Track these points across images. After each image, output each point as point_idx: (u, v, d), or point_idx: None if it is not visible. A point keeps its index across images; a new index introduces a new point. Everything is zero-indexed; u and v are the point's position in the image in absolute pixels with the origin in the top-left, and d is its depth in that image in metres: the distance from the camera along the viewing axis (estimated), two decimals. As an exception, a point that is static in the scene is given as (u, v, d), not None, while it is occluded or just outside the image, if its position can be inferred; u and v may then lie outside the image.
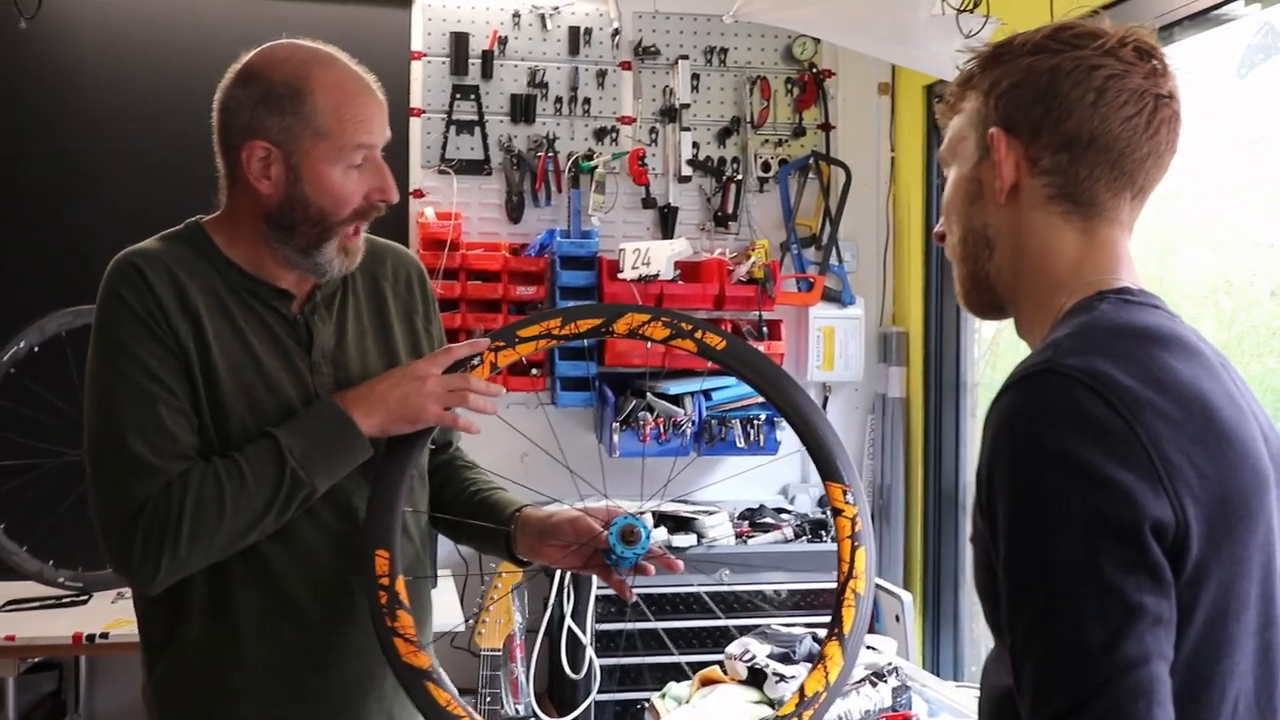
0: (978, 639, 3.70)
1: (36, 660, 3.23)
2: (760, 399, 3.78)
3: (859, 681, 2.52)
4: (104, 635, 2.92)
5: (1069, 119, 1.21)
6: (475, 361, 1.70)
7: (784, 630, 2.75)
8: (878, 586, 3.56)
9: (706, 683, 2.63)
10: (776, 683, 2.53)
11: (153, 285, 1.64)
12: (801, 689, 1.63)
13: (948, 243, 1.34)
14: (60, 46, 3.62)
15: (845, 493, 1.68)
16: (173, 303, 1.64)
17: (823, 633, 2.77)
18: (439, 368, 1.67)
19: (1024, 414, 1.11)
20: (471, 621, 3.06)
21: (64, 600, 3.17)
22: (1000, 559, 1.11)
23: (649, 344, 1.75)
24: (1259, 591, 1.14)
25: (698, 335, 1.72)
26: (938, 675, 3.45)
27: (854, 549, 1.66)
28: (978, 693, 2.39)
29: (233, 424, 1.65)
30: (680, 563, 1.75)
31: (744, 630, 3.17)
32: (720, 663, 2.74)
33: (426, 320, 1.90)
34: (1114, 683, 1.03)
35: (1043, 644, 1.06)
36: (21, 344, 3.18)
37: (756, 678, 2.58)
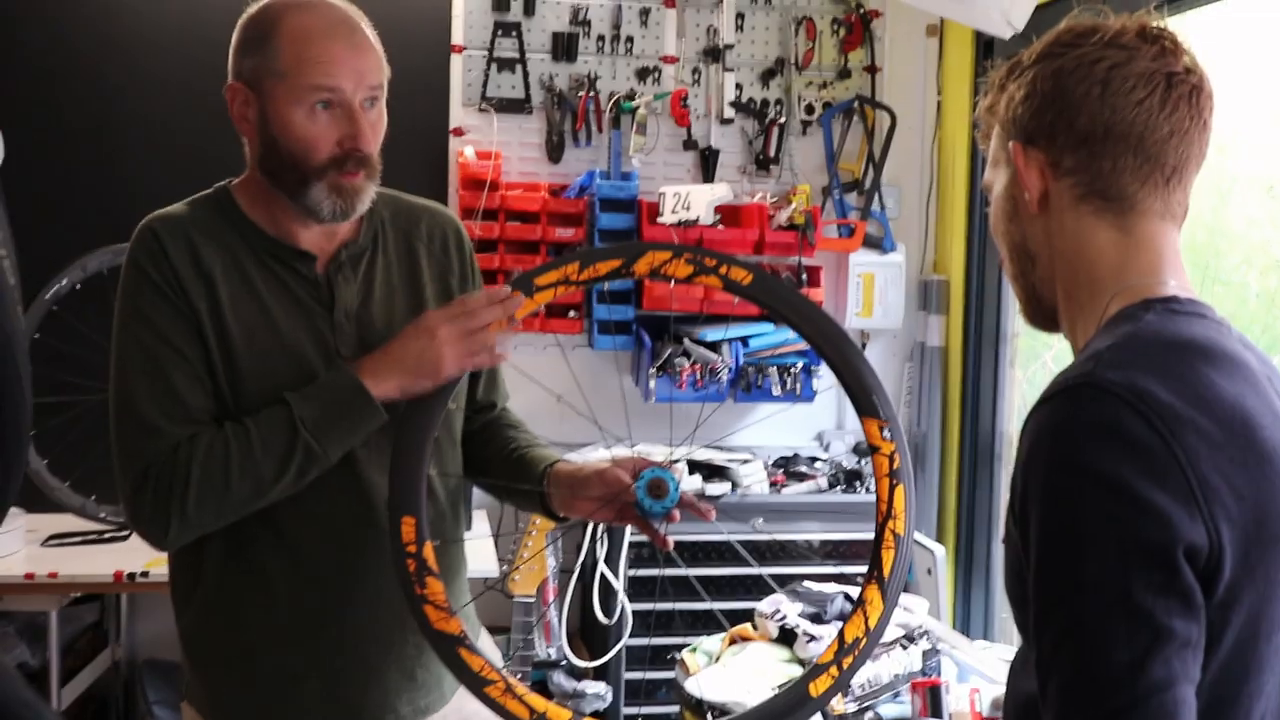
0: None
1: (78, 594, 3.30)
2: (798, 345, 3.81)
3: (889, 643, 2.53)
4: (144, 574, 2.97)
5: (1080, 115, 1.21)
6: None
7: (816, 589, 2.76)
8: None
9: (737, 640, 2.65)
10: (808, 642, 2.55)
11: (168, 252, 1.67)
12: (841, 635, 1.60)
13: (1003, 260, 1.34)
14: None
15: (883, 429, 1.63)
16: (188, 269, 1.67)
17: (855, 591, 2.79)
18: (451, 319, 1.63)
19: (1062, 427, 1.10)
20: (506, 569, 3.10)
21: (105, 535, 3.22)
22: (1031, 569, 1.11)
23: (672, 283, 1.72)
24: None
25: (722, 270, 1.66)
26: (968, 633, 3.47)
27: (892, 487, 1.61)
28: (1007, 657, 2.39)
29: (250, 385, 1.67)
30: (712, 510, 1.74)
31: (778, 580, 3.19)
32: (751, 613, 2.76)
33: (463, 280, 1.89)
34: (1139, 706, 1.03)
35: (1069, 661, 1.07)
36: (64, 281, 3.21)
37: (787, 637, 2.60)
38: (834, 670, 1.60)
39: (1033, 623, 1.11)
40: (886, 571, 1.60)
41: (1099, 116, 1.20)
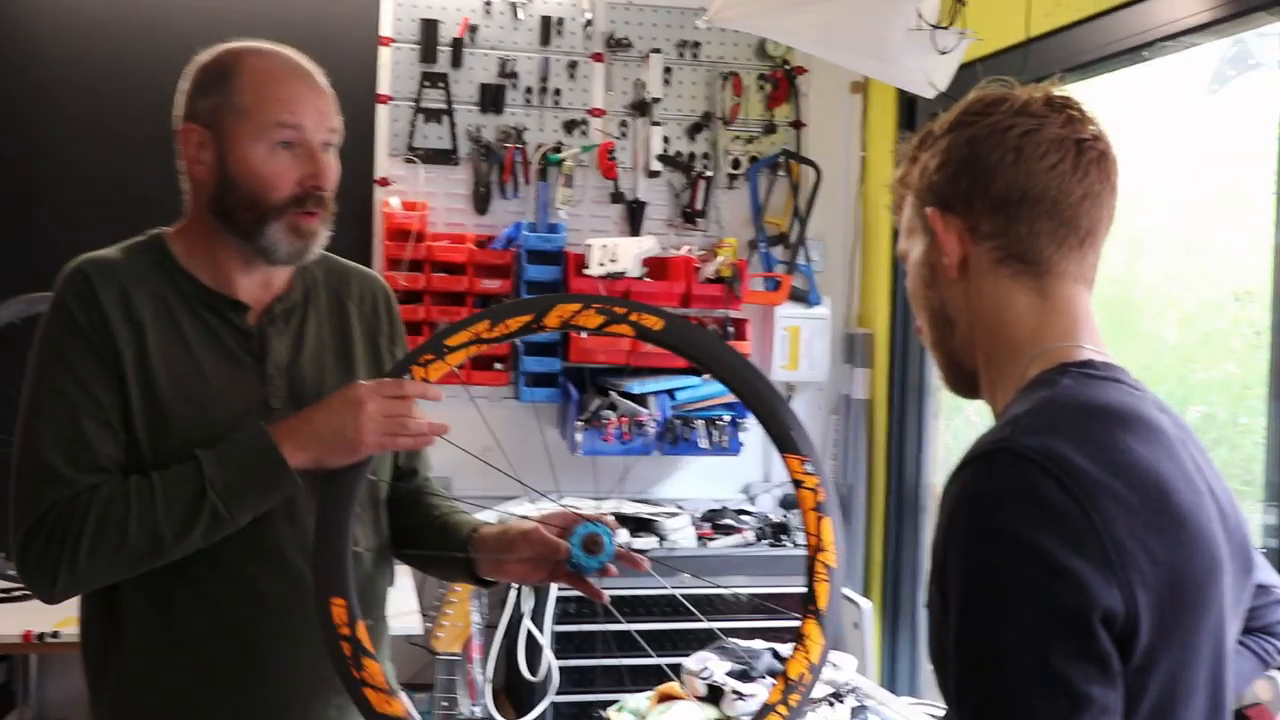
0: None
1: (-15, 654, 3.19)
2: (725, 398, 3.81)
3: (817, 700, 2.52)
4: (54, 634, 2.87)
5: (996, 181, 1.22)
6: (407, 375, 1.62)
7: (744, 645, 2.74)
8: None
9: (664, 698, 2.62)
10: (735, 700, 2.53)
11: (98, 295, 1.63)
12: (785, 674, 1.58)
13: (922, 334, 1.35)
14: (21, 34, 3.54)
15: (804, 463, 1.62)
16: (117, 313, 1.63)
17: (785, 649, 2.77)
18: (379, 395, 1.59)
19: (979, 494, 1.10)
20: (429, 625, 3.04)
21: (14, 594, 3.12)
22: (951, 635, 1.10)
23: (583, 333, 1.71)
24: (1208, 675, 1.15)
25: (632, 318, 1.64)
26: (894, 688, 3.47)
27: (819, 520, 1.59)
28: (935, 713, 2.39)
29: (173, 435, 1.63)
30: (647, 560, 1.72)
31: (705, 635, 3.16)
32: (678, 670, 2.73)
33: (391, 342, 1.88)
34: None
35: None
36: (-23, 331, 3.12)
37: (715, 695, 2.57)
38: (782, 709, 1.58)
39: (954, 688, 1.11)
40: (823, 605, 1.59)
41: (1014, 181, 1.22)
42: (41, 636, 2.88)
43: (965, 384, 1.33)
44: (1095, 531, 1.06)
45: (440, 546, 1.82)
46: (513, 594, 3.45)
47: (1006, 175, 1.22)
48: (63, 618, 2.93)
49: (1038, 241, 1.23)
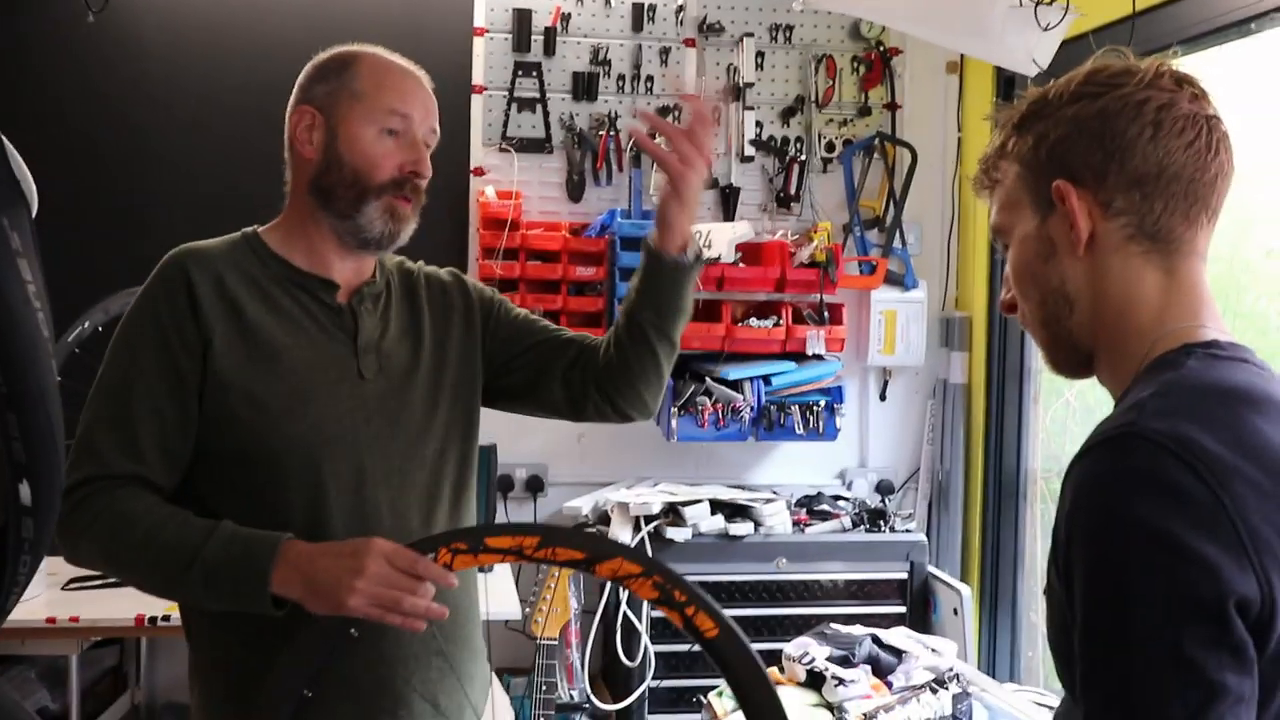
0: (1035, 632, 3.67)
1: (98, 638, 3.28)
2: (821, 383, 3.79)
3: (920, 687, 2.50)
4: (165, 618, 2.95)
5: (1133, 156, 1.18)
6: (431, 554, 1.54)
7: (844, 631, 2.73)
8: (935, 578, 3.53)
9: (764, 683, 2.62)
10: (835, 686, 2.52)
11: (191, 279, 1.70)
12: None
13: (1021, 311, 1.30)
14: (127, 36, 3.63)
15: None
16: (210, 295, 1.70)
17: (885, 634, 2.75)
18: (389, 562, 1.52)
19: (1106, 479, 1.07)
20: (527, 610, 3.07)
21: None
22: (1077, 624, 1.08)
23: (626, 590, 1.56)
24: None
25: (688, 611, 1.52)
26: (994, 674, 3.42)
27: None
28: (1038, 700, 2.35)
29: (271, 400, 1.67)
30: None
31: (803, 621, 3.15)
32: (778, 655, 2.73)
33: (467, 314, 1.89)
34: None
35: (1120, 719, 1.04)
36: (86, 324, 3.21)
37: (815, 680, 2.56)
38: None
39: (1080, 679, 1.08)
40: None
41: (1153, 157, 1.18)
42: (153, 620, 2.96)
43: (1078, 365, 1.28)
44: (1228, 516, 1.02)
45: (641, 306, 1.85)
46: (610, 581, 3.46)
47: (1144, 150, 1.18)
48: (173, 602, 3.01)
49: (1171, 219, 1.19)
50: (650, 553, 3.34)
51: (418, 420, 1.77)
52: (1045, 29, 2.60)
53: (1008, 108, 1.30)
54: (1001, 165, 1.29)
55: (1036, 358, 3.76)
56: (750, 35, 3.88)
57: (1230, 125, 1.22)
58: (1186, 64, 1.24)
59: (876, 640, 2.68)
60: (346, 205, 1.73)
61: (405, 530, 1.70)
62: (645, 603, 3.42)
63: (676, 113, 3.86)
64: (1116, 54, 1.25)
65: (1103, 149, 1.19)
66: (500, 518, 3.75)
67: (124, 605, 3.01)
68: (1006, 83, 3.73)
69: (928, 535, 3.74)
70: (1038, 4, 2.57)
